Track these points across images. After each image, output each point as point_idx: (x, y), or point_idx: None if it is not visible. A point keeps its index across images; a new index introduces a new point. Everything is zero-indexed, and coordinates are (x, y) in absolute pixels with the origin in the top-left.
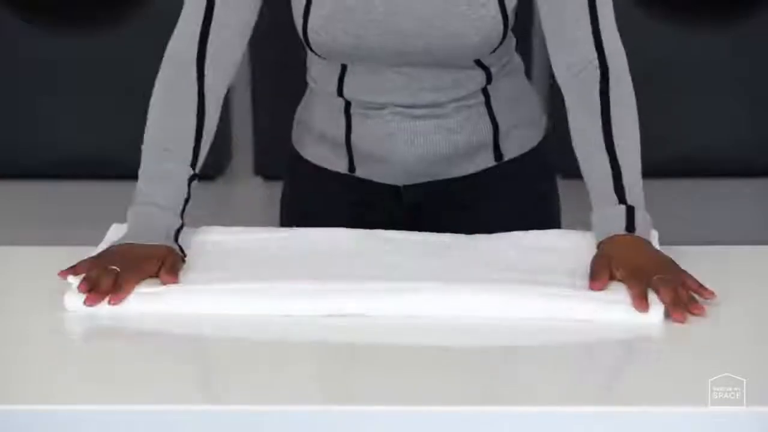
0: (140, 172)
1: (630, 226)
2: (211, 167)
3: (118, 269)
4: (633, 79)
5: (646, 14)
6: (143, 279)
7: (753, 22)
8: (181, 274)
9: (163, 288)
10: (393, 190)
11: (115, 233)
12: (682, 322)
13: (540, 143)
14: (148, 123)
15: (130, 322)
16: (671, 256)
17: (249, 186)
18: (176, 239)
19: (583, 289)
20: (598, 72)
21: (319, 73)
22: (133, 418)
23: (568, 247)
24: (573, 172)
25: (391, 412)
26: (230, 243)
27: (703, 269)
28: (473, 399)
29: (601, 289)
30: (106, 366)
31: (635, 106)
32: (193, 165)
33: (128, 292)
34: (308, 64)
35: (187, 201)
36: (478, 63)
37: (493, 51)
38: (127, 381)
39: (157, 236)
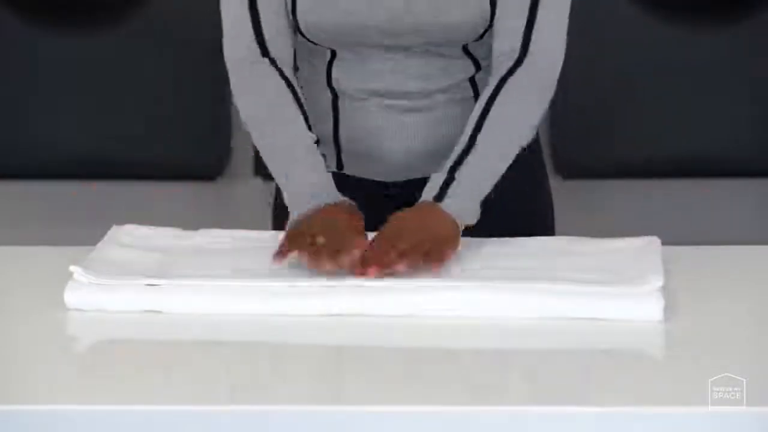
0: (271, 154)
1: (440, 197)
2: (211, 167)
3: (323, 240)
4: (633, 80)
5: (646, 14)
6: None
7: (753, 22)
8: (179, 277)
9: (162, 284)
10: (381, 187)
11: (114, 234)
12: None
13: (532, 143)
14: (259, 129)
15: (130, 322)
16: (671, 256)
17: (249, 186)
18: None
19: (582, 285)
20: (512, 63)
21: (309, 65)
22: (133, 418)
23: (567, 249)
24: (573, 172)
25: (390, 412)
26: (227, 243)
27: (703, 269)
28: (472, 399)
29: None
30: (106, 366)
31: (532, 112)
32: (310, 128)
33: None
34: (298, 61)
35: (325, 161)
36: (467, 52)
37: (482, 36)
38: (128, 381)
39: (329, 197)
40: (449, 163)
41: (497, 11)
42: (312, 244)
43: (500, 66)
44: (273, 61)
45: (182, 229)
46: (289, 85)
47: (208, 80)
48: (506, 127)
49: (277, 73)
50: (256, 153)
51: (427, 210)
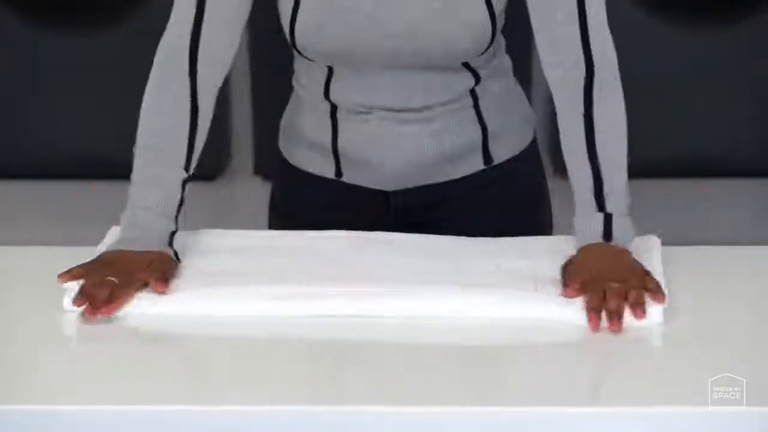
0: (133, 176)
1: (607, 234)
2: (211, 167)
3: (114, 280)
4: (633, 80)
5: (646, 14)
6: (139, 289)
7: (753, 22)
8: (178, 277)
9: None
10: (381, 196)
11: (113, 237)
12: (606, 329)
13: (530, 145)
14: (140, 123)
15: (129, 322)
16: (671, 256)
17: (249, 186)
18: (170, 243)
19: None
20: (583, 72)
21: (306, 76)
22: (133, 418)
23: (566, 250)
24: None
25: (390, 412)
26: (226, 245)
27: (702, 269)
28: (471, 399)
29: (573, 296)
30: (105, 366)
31: (622, 107)
32: (187, 167)
33: (123, 304)
34: (295, 66)
35: (181, 204)
36: (466, 66)
37: (483, 53)
38: (127, 381)
39: (151, 242)
40: (593, 200)
41: (536, 20)
42: (102, 280)
43: (564, 79)
44: (194, 71)
45: (181, 229)
46: (195, 112)
47: None
48: (615, 142)
49: (188, 92)
50: (256, 153)
51: (603, 249)
